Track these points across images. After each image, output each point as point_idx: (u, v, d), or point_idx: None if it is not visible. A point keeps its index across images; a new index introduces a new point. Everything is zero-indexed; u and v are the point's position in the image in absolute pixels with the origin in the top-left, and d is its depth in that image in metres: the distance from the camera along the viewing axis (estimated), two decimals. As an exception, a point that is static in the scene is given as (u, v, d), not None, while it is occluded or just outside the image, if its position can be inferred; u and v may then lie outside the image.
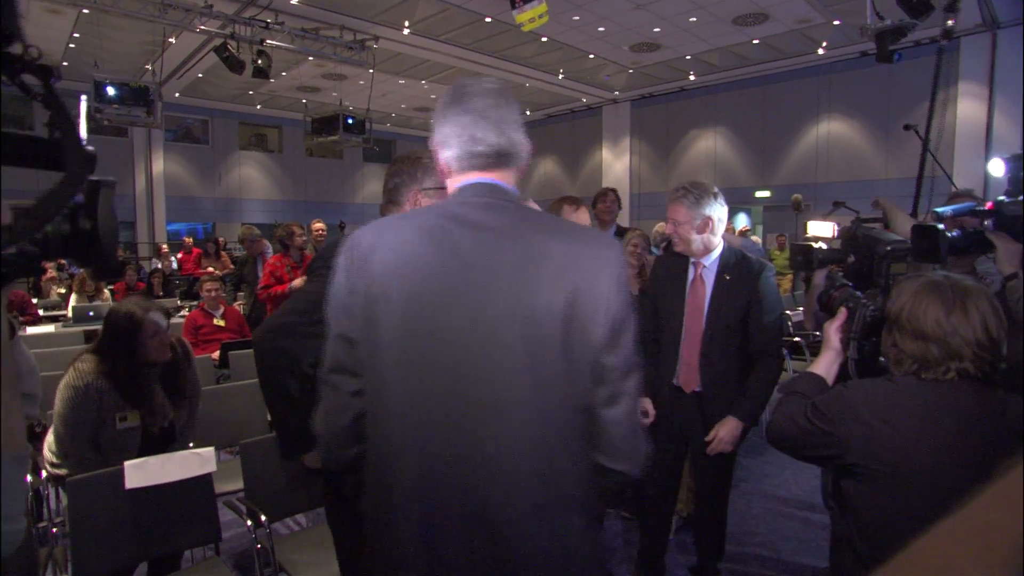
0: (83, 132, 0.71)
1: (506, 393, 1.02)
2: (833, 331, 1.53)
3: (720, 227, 2.36)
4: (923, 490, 1.19)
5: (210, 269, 8.48)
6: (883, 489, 1.24)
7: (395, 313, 1.03)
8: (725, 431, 2.32)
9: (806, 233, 2.36)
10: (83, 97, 0.72)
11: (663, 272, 2.57)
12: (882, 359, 1.45)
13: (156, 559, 2.30)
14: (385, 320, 1.04)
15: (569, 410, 1.05)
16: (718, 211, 2.33)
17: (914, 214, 3.62)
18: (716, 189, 2.36)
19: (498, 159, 1.15)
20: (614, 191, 4.24)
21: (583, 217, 2.55)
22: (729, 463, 2.52)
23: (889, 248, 1.70)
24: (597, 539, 1.16)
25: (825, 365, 1.51)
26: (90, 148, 0.69)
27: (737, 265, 2.36)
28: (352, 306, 1.07)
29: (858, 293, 1.61)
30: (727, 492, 2.62)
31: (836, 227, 1.98)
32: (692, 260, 2.42)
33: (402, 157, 1.78)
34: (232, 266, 8.39)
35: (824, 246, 2.03)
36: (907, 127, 3.80)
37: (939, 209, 1.64)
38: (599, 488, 1.12)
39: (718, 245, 2.39)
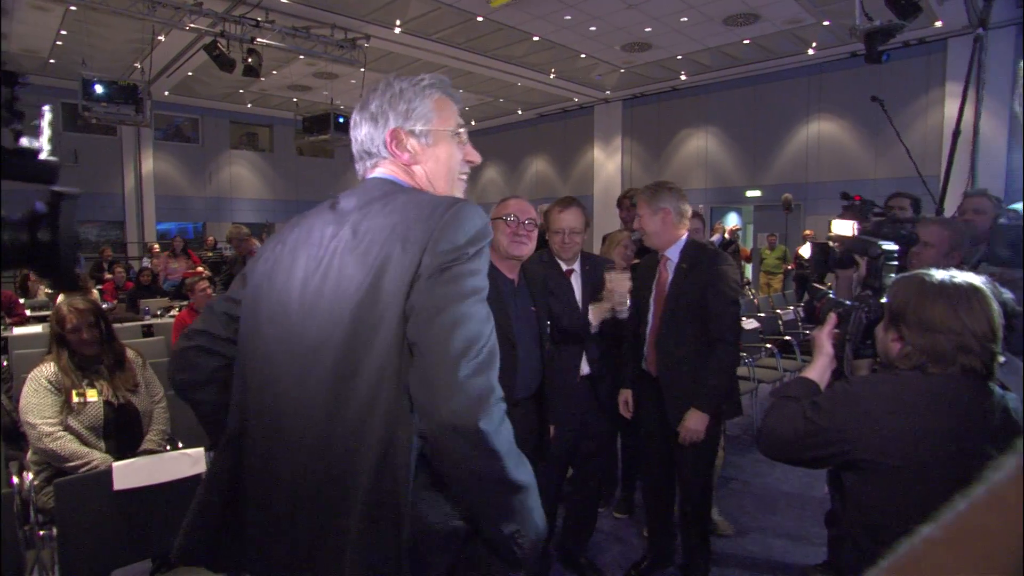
0: (45, 143, 0.70)
1: (310, 381, 1.05)
2: (824, 337, 1.55)
3: (679, 219, 2.55)
4: (931, 482, 1.20)
5: (174, 265, 8.46)
6: (891, 482, 1.25)
7: (256, 291, 1.16)
8: (690, 422, 2.45)
9: (829, 231, 2.38)
10: (47, 108, 0.70)
11: (642, 269, 2.77)
12: (879, 359, 1.47)
13: (158, 556, 2.32)
14: (251, 292, 1.17)
15: (382, 385, 0.99)
16: (674, 204, 2.53)
17: (940, 212, 3.65)
18: (675, 186, 2.59)
19: (367, 156, 1.22)
20: (628, 198, 3.87)
21: (570, 218, 2.58)
22: (704, 455, 2.60)
23: (882, 251, 1.74)
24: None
25: (819, 371, 1.52)
26: (53, 158, 0.70)
27: (695, 255, 2.55)
28: (246, 274, 1.23)
29: (842, 300, 1.64)
30: (707, 487, 2.70)
31: (856, 226, 2.00)
32: (659, 254, 2.63)
33: None
34: (201, 265, 8.36)
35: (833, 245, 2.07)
36: (874, 99, 3.82)
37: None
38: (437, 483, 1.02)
39: (681, 237, 2.58)
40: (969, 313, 1.25)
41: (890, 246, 1.82)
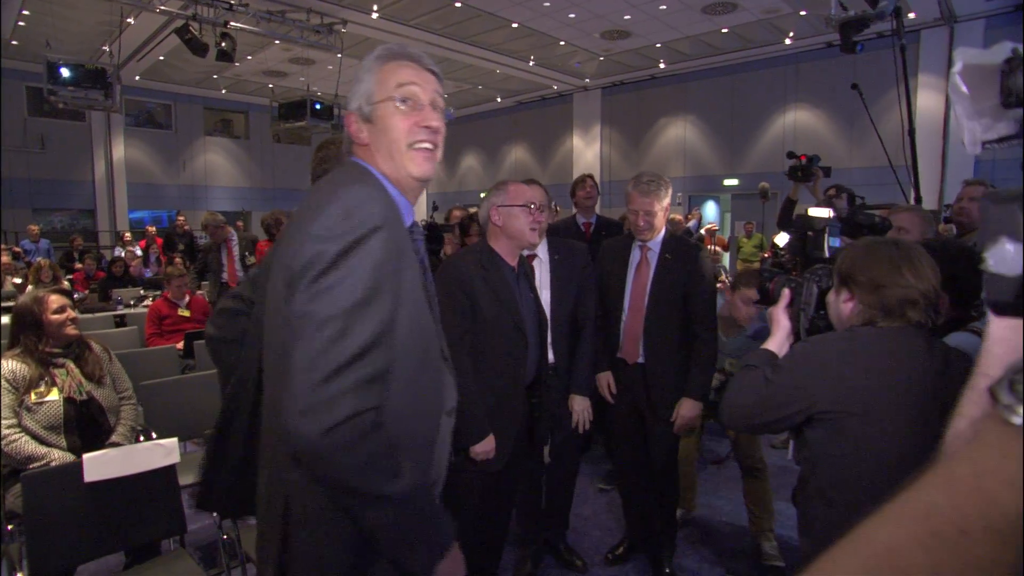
0: None
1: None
2: (780, 312, 1.62)
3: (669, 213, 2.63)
4: (891, 427, 1.29)
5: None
6: (855, 432, 1.32)
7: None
8: (685, 410, 2.53)
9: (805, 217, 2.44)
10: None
11: (608, 254, 2.76)
12: (833, 322, 1.53)
13: (133, 549, 2.29)
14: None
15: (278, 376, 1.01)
16: (672, 197, 2.62)
17: (918, 200, 3.78)
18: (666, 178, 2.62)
19: (346, 144, 1.22)
20: (591, 177, 4.18)
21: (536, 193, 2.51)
22: (676, 440, 2.71)
23: (826, 224, 1.87)
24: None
25: (777, 343, 1.58)
26: None
27: (677, 247, 2.60)
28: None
29: (792, 276, 1.70)
30: (675, 471, 2.79)
31: (832, 213, 2.07)
32: (638, 243, 2.62)
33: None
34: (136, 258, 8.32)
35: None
36: (854, 86, 3.89)
37: None
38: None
39: (662, 228, 2.62)
40: (912, 270, 1.35)
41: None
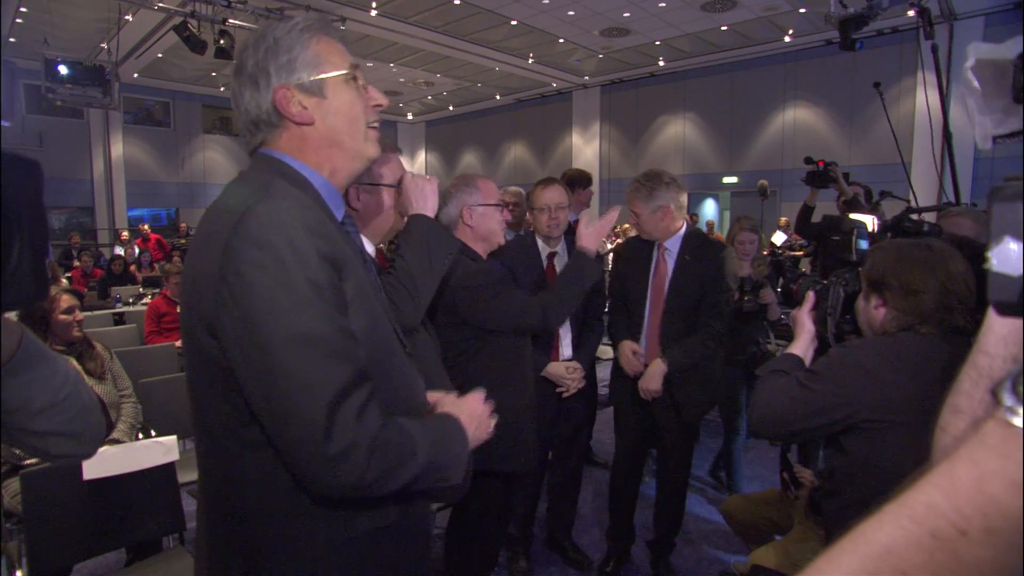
0: None
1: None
2: (804, 315, 1.57)
3: (679, 211, 2.48)
4: (930, 435, 1.25)
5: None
6: (897, 441, 1.27)
7: None
8: (650, 370, 2.48)
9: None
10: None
11: (629, 253, 2.71)
12: (862, 328, 1.49)
13: (134, 546, 2.30)
14: None
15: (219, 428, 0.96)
16: (673, 198, 2.45)
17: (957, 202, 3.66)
18: (670, 177, 2.47)
19: (255, 128, 1.03)
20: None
21: (554, 196, 2.53)
22: (689, 445, 2.66)
23: (854, 226, 1.81)
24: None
25: (802, 347, 1.54)
26: None
27: (699, 246, 2.50)
28: None
29: (818, 278, 1.66)
30: (686, 473, 2.73)
31: (876, 220, 1.99)
32: (656, 243, 2.55)
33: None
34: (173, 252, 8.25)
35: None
36: (875, 85, 3.83)
37: None
38: None
39: (681, 227, 2.52)
40: (946, 274, 1.30)
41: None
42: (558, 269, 2.55)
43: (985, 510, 0.28)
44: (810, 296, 1.59)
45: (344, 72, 1.02)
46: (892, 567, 0.29)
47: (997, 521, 0.28)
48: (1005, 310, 0.37)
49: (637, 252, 2.63)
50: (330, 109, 1.01)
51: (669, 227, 2.49)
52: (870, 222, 2.07)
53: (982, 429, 0.31)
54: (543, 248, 2.62)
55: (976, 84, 0.60)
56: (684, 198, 2.51)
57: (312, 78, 0.99)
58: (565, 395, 2.53)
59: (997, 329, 0.60)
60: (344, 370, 0.86)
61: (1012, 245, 0.37)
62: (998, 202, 0.38)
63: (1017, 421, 0.29)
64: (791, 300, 1.69)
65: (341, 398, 0.85)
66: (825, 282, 1.62)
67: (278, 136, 1.01)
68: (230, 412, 0.93)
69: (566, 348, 2.64)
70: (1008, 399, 0.30)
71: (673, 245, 2.52)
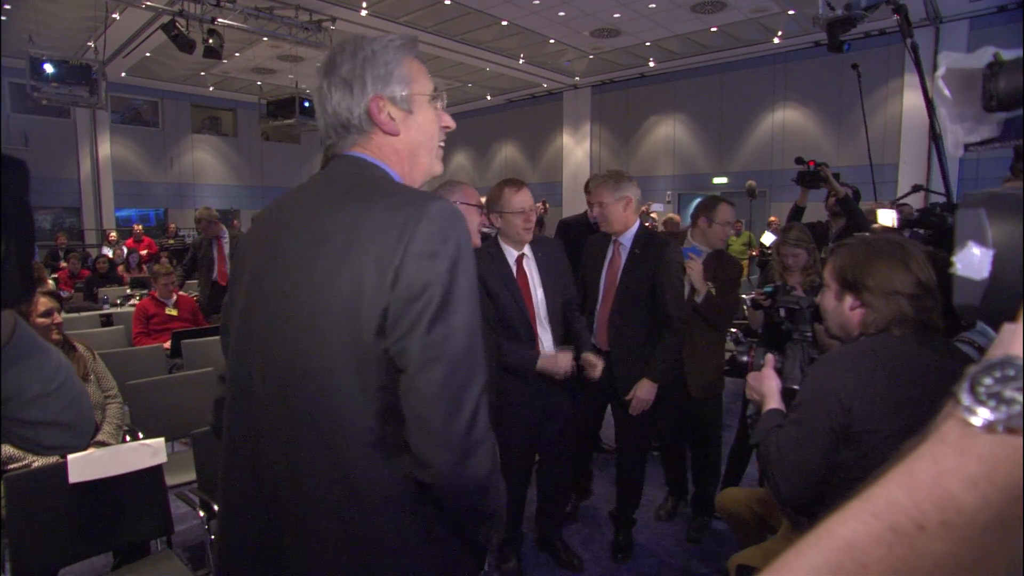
0: None
1: (281, 387, 0.96)
2: (767, 378, 1.50)
3: (638, 207, 2.76)
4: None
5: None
6: (887, 452, 1.23)
7: (240, 288, 1.07)
8: (642, 392, 2.66)
9: (875, 222, 2.29)
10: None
11: (591, 248, 2.96)
12: (832, 329, 1.44)
13: (120, 550, 2.27)
14: (235, 292, 1.09)
15: (360, 412, 0.93)
16: (635, 192, 2.73)
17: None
18: (631, 176, 2.77)
19: (343, 130, 1.07)
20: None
21: (528, 199, 2.52)
22: (643, 421, 2.79)
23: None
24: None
25: (776, 400, 1.48)
26: None
27: (647, 241, 2.74)
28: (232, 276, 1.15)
29: (767, 350, 1.60)
30: (644, 450, 2.98)
31: (897, 216, 1.95)
32: (613, 238, 2.80)
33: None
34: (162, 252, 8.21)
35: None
36: (854, 66, 3.79)
37: None
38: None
39: (635, 224, 2.76)
40: (920, 269, 1.27)
41: None
42: (527, 271, 2.56)
43: (942, 505, 0.29)
44: (770, 359, 1.53)
45: (430, 92, 1.10)
46: (854, 560, 0.30)
47: (953, 516, 0.29)
48: (968, 313, 0.38)
49: (596, 247, 2.91)
50: (414, 124, 1.07)
51: (628, 219, 2.72)
52: (891, 219, 2.03)
53: (942, 427, 0.32)
54: (509, 252, 2.55)
55: (947, 93, 0.62)
56: (640, 198, 2.78)
57: (403, 93, 1.05)
58: (589, 377, 2.57)
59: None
60: (484, 370, 0.96)
61: (975, 250, 0.38)
62: (962, 209, 0.39)
63: (975, 420, 0.30)
64: (742, 371, 1.60)
65: (483, 392, 0.94)
66: (782, 354, 1.56)
67: (367, 140, 1.06)
68: (375, 411, 0.93)
69: (547, 346, 2.61)
70: (966, 398, 0.31)
71: (627, 240, 2.75)
